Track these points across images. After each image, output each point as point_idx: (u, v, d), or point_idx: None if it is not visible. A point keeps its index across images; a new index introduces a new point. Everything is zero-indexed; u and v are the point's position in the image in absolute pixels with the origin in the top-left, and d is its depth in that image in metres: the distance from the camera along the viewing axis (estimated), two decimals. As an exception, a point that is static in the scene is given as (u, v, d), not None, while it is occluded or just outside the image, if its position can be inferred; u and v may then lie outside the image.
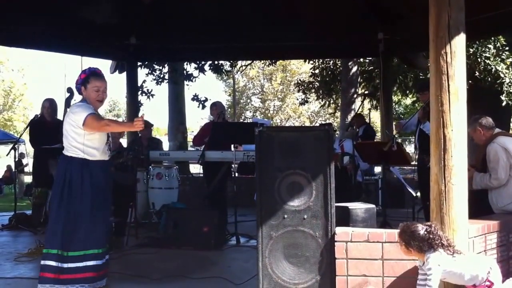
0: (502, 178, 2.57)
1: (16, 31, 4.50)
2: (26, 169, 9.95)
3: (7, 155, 5.24)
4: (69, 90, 3.30)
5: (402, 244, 1.89)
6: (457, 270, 1.83)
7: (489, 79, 6.54)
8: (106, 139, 2.47)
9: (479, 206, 2.51)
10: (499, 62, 6.46)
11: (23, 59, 24.64)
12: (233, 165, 3.99)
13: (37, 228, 4.12)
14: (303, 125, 20.41)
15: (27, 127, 4.54)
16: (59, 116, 4.39)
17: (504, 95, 6.56)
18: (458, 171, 1.94)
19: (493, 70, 6.43)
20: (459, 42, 1.96)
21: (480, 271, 1.85)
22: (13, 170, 7.37)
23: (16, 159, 5.17)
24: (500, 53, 6.50)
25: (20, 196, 7.30)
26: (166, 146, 8.18)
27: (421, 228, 1.85)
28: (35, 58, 42.46)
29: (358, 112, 5.75)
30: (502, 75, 6.44)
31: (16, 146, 4.83)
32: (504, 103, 6.61)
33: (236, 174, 4.79)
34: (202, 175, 4.20)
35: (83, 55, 7.53)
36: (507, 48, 6.52)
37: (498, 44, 6.48)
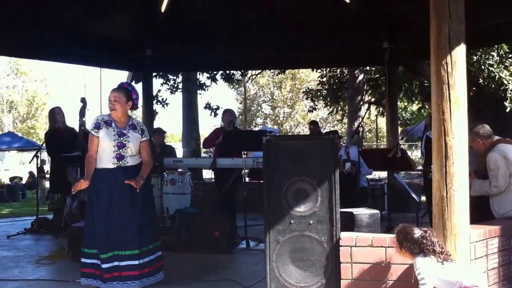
0: (502, 186, 2.59)
1: (39, 44, 4.68)
2: (48, 175, 10.26)
3: (30, 162, 5.45)
4: (83, 100, 3.47)
5: (396, 244, 1.92)
6: (445, 278, 1.81)
7: (493, 86, 6.51)
8: (116, 147, 2.59)
9: (481, 212, 2.51)
10: (502, 69, 6.45)
11: (45, 70, 25.28)
12: (243, 171, 4.09)
13: (58, 232, 4.25)
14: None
15: (44, 141, 4.59)
16: (69, 123, 4.49)
17: (508, 101, 6.53)
18: (459, 178, 1.95)
19: (496, 77, 6.41)
20: (460, 52, 1.97)
21: (464, 279, 1.78)
22: (35, 176, 7.63)
23: (38, 166, 5.40)
24: (504, 60, 6.50)
25: (42, 201, 7.40)
26: (180, 152, 8.32)
27: (417, 232, 1.89)
28: (57, 69, 43.68)
29: (313, 120, 5.87)
30: (505, 82, 6.42)
31: (38, 153, 5.06)
32: (508, 109, 6.57)
33: (247, 179, 4.87)
34: (214, 180, 4.32)
35: (102, 67, 7.78)
36: (510, 56, 6.51)
37: (502, 52, 6.48)
